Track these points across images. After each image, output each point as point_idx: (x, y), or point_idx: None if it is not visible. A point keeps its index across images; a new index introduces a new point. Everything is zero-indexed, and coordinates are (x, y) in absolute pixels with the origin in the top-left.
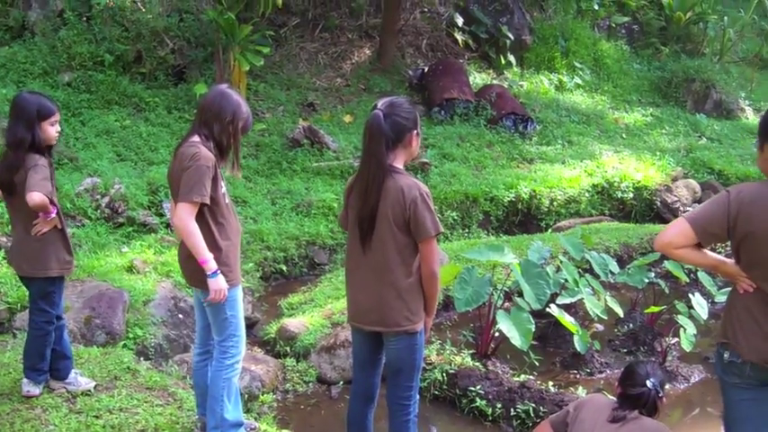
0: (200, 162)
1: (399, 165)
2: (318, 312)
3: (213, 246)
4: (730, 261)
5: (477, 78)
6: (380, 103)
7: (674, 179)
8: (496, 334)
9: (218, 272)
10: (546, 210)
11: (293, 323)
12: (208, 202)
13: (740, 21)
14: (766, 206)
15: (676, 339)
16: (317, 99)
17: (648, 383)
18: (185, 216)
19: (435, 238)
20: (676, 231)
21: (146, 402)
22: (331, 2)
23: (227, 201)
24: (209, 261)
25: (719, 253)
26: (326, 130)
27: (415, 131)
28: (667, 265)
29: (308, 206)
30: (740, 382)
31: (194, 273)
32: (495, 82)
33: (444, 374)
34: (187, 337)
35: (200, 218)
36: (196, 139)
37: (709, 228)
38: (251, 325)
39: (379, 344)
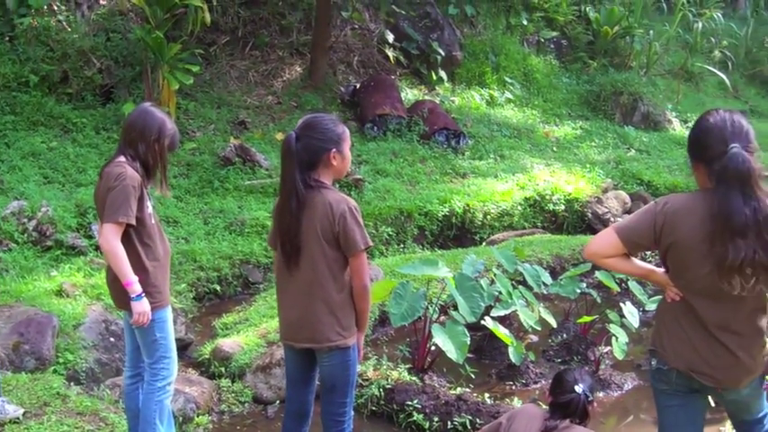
0: (125, 182)
1: (327, 181)
2: (253, 331)
3: (140, 267)
4: (659, 270)
5: (409, 94)
6: (300, 122)
7: (605, 191)
8: (432, 348)
9: (143, 295)
10: (480, 223)
11: (228, 343)
12: (134, 222)
13: (665, 34)
14: (688, 217)
15: (609, 348)
16: (249, 117)
17: (577, 389)
18: (110, 237)
19: (365, 252)
20: (604, 241)
21: (76, 428)
22: (261, 19)
23: (153, 221)
24: (133, 283)
25: (649, 261)
26: (258, 148)
27: (334, 150)
28: (599, 275)
29: (242, 225)
30: (668, 388)
31: (120, 295)
32: (426, 98)
33: (381, 390)
34: (119, 360)
35: (127, 239)
36: (122, 159)
37: (636, 238)
38: (184, 346)
39: (311, 361)
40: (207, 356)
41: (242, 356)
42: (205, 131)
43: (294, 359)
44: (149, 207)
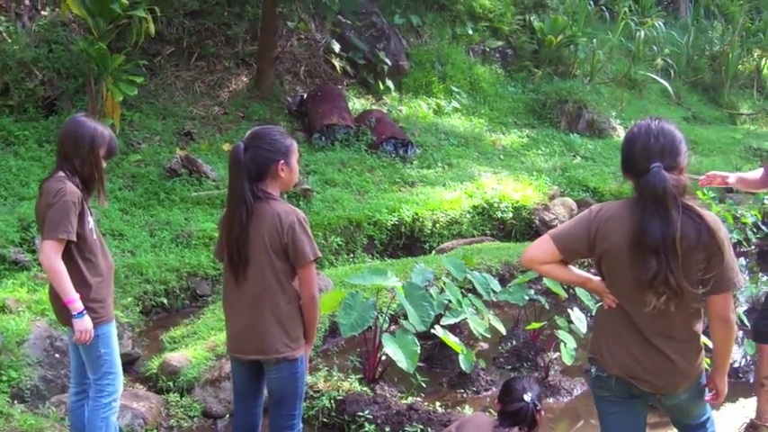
0: (65, 198)
1: (274, 192)
2: (202, 345)
3: (82, 283)
4: (596, 278)
5: (357, 104)
6: (248, 133)
7: (551, 198)
8: (383, 357)
9: (84, 312)
10: (429, 232)
11: (176, 357)
12: (74, 239)
13: (608, 43)
14: (620, 224)
15: (558, 354)
16: (195, 128)
17: (526, 398)
18: (51, 254)
19: (314, 263)
20: (541, 248)
21: None
22: (206, 30)
23: (95, 236)
24: (74, 301)
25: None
26: (205, 158)
27: (282, 161)
28: (547, 281)
29: (189, 237)
30: (609, 395)
31: (62, 311)
32: (374, 107)
33: (332, 401)
34: (65, 377)
35: (68, 255)
36: (61, 174)
37: (571, 245)
38: (132, 361)
39: (259, 373)
40: (154, 371)
41: (190, 370)
42: (150, 143)
43: (241, 372)
44: (90, 222)
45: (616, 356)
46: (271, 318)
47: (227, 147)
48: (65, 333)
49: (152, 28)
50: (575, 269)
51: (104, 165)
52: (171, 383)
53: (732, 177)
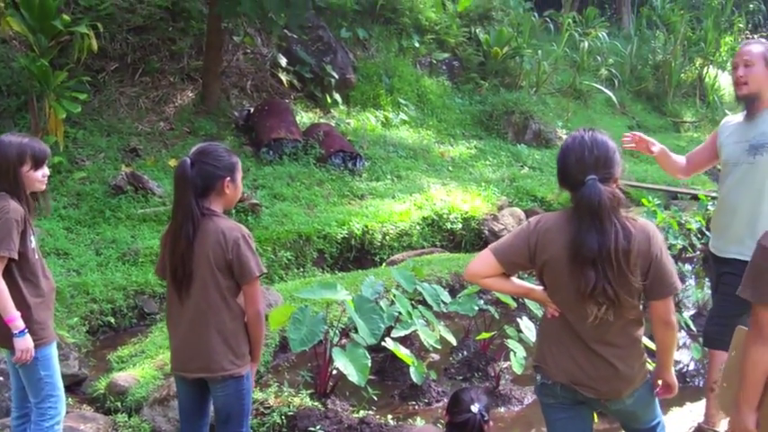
0: (8, 215)
1: (218, 209)
2: (150, 364)
3: (22, 303)
4: (538, 288)
5: (305, 117)
6: (193, 149)
7: (500, 208)
8: (334, 372)
9: (26, 331)
10: (379, 244)
11: (123, 377)
12: (15, 257)
13: (553, 54)
14: (559, 235)
15: (508, 363)
16: (140, 144)
17: (473, 408)
18: None
19: (259, 279)
20: (482, 262)
21: None
22: (150, 45)
23: (37, 256)
24: (15, 319)
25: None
26: (151, 175)
27: (228, 178)
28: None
29: (135, 254)
30: (555, 402)
31: (1, 331)
32: (322, 120)
33: (283, 417)
34: (8, 399)
35: (8, 274)
36: (3, 192)
37: (512, 257)
38: (78, 382)
39: (204, 391)
40: (102, 391)
41: (138, 390)
42: (95, 160)
43: (187, 390)
44: (32, 242)
45: (560, 364)
46: (216, 335)
47: (173, 163)
48: (5, 355)
49: (95, 44)
50: (517, 281)
51: (43, 174)
52: (119, 404)
53: (657, 147)
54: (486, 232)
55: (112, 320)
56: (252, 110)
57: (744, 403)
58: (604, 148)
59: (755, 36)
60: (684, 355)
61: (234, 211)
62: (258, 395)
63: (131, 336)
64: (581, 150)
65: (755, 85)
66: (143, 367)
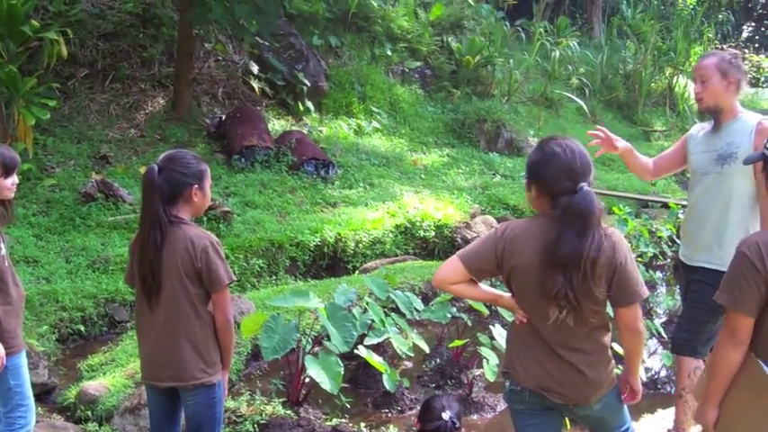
0: None
1: (185, 217)
2: (120, 372)
3: None
4: (506, 295)
5: (277, 125)
6: (161, 156)
7: (473, 216)
8: (307, 380)
9: None
10: (352, 252)
11: (94, 385)
12: None
13: (525, 63)
14: (527, 242)
15: (481, 370)
16: (111, 151)
17: (444, 416)
18: None
19: (228, 287)
20: (450, 268)
21: None
22: (121, 52)
23: (7, 264)
24: None
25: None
26: (121, 182)
27: (196, 186)
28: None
29: (106, 262)
30: (524, 408)
31: None
32: (294, 128)
33: (255, 426)
34: None
35: None
36: None
37: (480, 264)
38: (48, 391)
39: (175, 400)
40: (72, 400)
41: (109, 399)
42: (65, 167)
43: (157, 399)
44: (2, 249)
45: (528, 370)
46: (186, 344)
47: (143, 170)
48: None
49: (64, 50)
50: (485, 287)
51: (12, 182)
52: (89, 413)
53: (621, 144)
54: (459, 240)
55: (82, 329)
56: (223, 117)
57: (708, 399)
58: (587, 156)
59: (725, 46)
60: (655, 362)
61: (205, 218)
62: (230, 404)
63: (102, 344)
64: (571, 158)
65: (712, 100)
66: (113, 376)
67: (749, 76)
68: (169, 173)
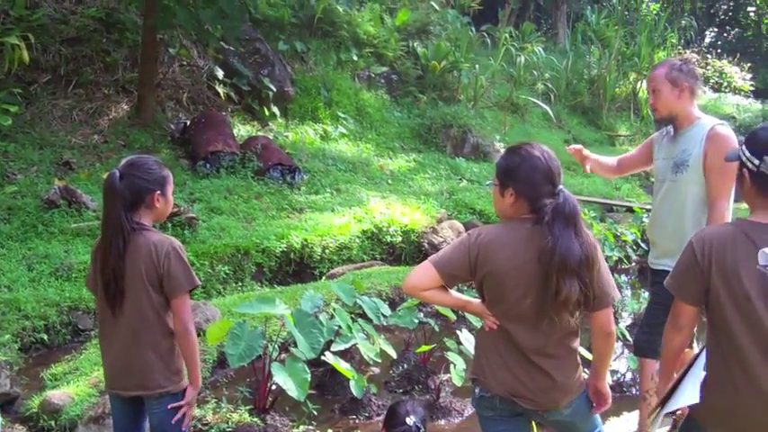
0: None
1: (147, 223)
2: (84, 381)
3: None
4: (476, 301)
5: (242, 130)
6: (123, 162)
7: (439, 221)
8: (273, 387)
9: None
10: (319, 258)
11: (57, 395)
12: None
13: (491, 68)
14: (502, 248)
15: (448, 375)
16: (74, 157)
17: (408, 421)
18: None
19: (189, 293)
20: (422, 274)
21: None
22: (84, 57)
23: None
24: None
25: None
26: (85, 189)
27: (159, 192)
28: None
29: (69, 269)
30: (493, 414)
31: None
32: (260, 133)
33: None
34: None
35: None
36: None
37: (452, 270)
38: (11, 401)
39: (140, 409)
40: (35, 410)
41: (73, 408)
42: (27, 174)
43: (121, 408)
44: None
45: (498, 376)
46: (150, 352)
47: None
48: None
49: (26, 55)
50: (455, 293)
51: None
52: (53, 422)
53: (589, 165)
54: (426, 245)
55: (45, 337)
56: (188, 122)
57: (662, 377)
58: (557, 160)
59: (688, 51)
60: (621, 366)
61: (170, 225)
62: (196, 412)
63: (65, 353)
64: (547, 162)
65: (665, 109)
66: (77, 385)
67: (712, 81)
68: (131, 179)
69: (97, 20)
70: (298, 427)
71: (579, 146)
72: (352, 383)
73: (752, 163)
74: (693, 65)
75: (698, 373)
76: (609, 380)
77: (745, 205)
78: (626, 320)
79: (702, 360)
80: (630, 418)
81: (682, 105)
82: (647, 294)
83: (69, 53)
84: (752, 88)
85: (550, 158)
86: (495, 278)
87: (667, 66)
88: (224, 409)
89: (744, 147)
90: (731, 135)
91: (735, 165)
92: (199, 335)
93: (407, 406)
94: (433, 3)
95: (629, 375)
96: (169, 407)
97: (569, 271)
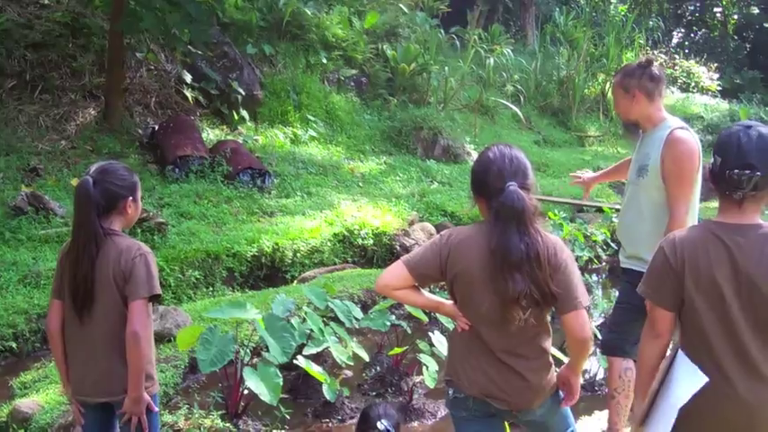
0: None
1: (117, 228)
2: (54, 389)
3: None
4: (449, 302)
5: (211, 134)
6: (93, 168)
7: (411, 223)
8: (245, 392)
9: None
10: (290, 261)
11: (26, 403)
12: None
13: (460, 70)
14: (470, 248)
15: (421, 377)
16: (41, 163)
17: (380, 426)
18: None
19: (149, 300)
20: (393, 273)
21: None
22: (50, 62)
23: None
24: None
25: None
26: (52, 195)
27: (131, 198)
28: (408, 306)
29: (37, 277)
30: (467, 415)
31: None
32: (229, 137)
33: None
34: None
35: None
36: None
37: (424, 270)
38: None
39: (110, 416)
40: (4, 419)
41: (43, 416)
42: None
43: (91, 415)
44: None
45: (471, 377)
46: (119, 358)
47: (75, 182)
48: None
49: None
50: (428, 294)
51: None
52: (22, 431)
53: (592, 176)
54: (398, 247)
55: (14, 345)
56: (156, 127)
57: (636, 392)
58: (523, 161)
59: (655, 52)
60: (592, 365)
61: (139, 230)
62: (167, 418)
63: (34, 360)
64: (502, 161)
65: (625, 116)
66: (47, 393)
67: (680, 81)
68: (104, 185)
69: (63, 24)
70: None
71: (582, 176)
72: (324, 387)
73: (711, 161)
74: (653, 67)
75: (673, 400)
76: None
77: (714, 204)
78: (597, 320)
79: (677, 381)
80: (602, 417)
81: (639, 110)
82: (617, 294)
83: (35, 58)
84: (719, 88)
85: (504, 157)
86: (465, 279)
87: (621, 73)
88: (196, 415)
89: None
90: (689, 139)
91: (692, 170)
92: (169, 340)
93: (379, 410)
94: (401, 5)
95: (600, 374)
96: (118, 412)
97: (512, 267)
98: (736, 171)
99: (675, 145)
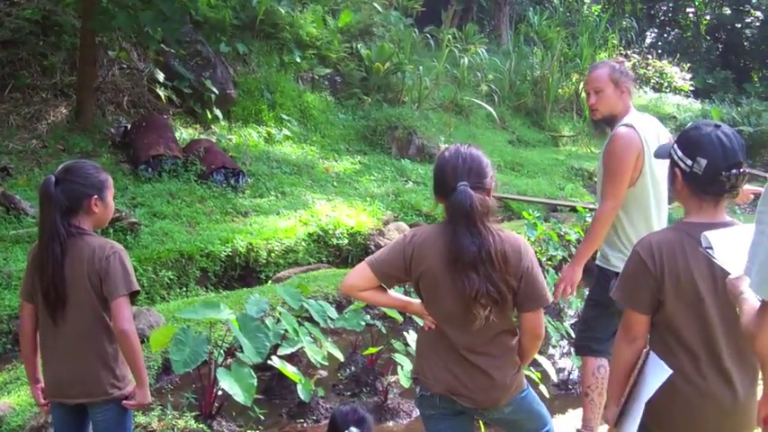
0: None
1: (87, 228)
2: (26, 391)
3: None
4: (416, 301)
5: (184, 134)
6: (60, 167)
7: (386, 223)
8: (219, 392)
9: None
10: (264, 262)
11: None
12: None
13: (435, 70)
14: (433, 247)
15: (396, 377)
16: (11, 163)
17: (353, 430)
18: None
19: (127, 297)
20: (358, 275)
21: None
22: (20, 60)
23: None
24: None
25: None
26: (23, 195)
27: (96, 196)
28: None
29: (8, 277)
30: (435, 413)
31: None
32: (202, 136)
33: None
34: None
35: None
36: None
37: (388, 270)
38: None
39: (83, 417)
40: None
41: (14, 418)
42: None
43: (64, 417)
44: None
45: (437, 375)
46: (95, 359)
47: None
48: None
49: None
50: (394, 293)
51: None
52: None
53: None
54: (373, 247)
55: None
56: (129, 126)
57: (609, 396)
58: (478, 160)
59: (629, 52)
60: (566, 364)
61: (112, 230)
62: (141, 419)
63: (6, 362)
64: (456, 160)
65: (607, 110)
66: (19, 394)
67: (653, 81)
68: (67, 184)
69: (33, 22)
70: None
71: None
72: (299, 387)
73: (684, 163)
74: (627, 65)
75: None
76: (554, 377)
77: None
78: (571, 319)
79: (646, 378)
80: (576, 415)
81: (621, 105)
82: None
83: (4, 56)
84: (691, 88)
85: (458, 156)
86: (429, 278)
87: (609, 67)
88: (169, 416)
89: (675, 146)
90: (628, 135)
91: (624, 167)
92: (142, 341)
93: (349, 415)
94: (375, 4)
95: (575, 374)
96: (123, 403)
97: (466, 267)
98: (733, 171)
99: (613, 140)
